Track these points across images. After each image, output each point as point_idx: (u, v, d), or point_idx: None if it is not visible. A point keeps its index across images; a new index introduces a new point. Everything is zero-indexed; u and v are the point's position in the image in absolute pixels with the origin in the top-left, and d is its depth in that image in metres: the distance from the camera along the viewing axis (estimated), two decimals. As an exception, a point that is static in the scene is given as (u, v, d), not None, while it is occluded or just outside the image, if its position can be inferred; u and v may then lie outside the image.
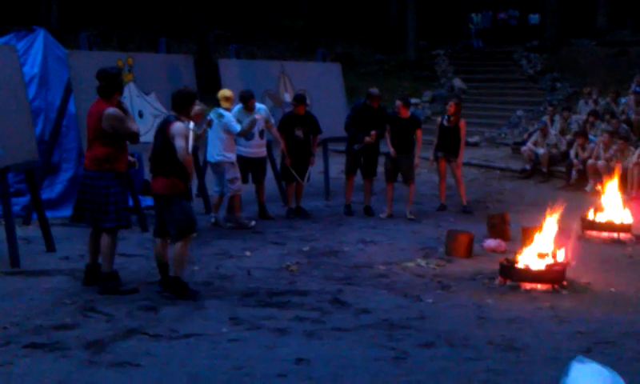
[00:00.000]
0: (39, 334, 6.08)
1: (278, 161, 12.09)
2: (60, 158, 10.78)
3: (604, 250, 9.97)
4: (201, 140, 9.81)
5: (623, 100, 17.73)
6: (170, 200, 7.19)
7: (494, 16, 31.97)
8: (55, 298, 7.04)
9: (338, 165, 14.09)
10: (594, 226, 10.69)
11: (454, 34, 30.89)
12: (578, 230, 10.52)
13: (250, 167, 10.97)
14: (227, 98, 10.35)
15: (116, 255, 7.63)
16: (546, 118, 17.26)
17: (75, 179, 10.74)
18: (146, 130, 10.37)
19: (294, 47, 29.93)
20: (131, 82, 10.43)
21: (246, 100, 10.64)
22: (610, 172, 12.94)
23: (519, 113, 22.36)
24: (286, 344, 6.04)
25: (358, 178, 11.90)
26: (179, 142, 6.99)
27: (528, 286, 7.84)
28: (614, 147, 14.22)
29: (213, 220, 10.59)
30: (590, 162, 14.43)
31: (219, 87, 11.81)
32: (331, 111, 12.62)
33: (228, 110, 10.35)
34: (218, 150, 10.29)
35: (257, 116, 10.64)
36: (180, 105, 7.32)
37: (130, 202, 9.41)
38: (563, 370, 4.63)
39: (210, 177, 11.28)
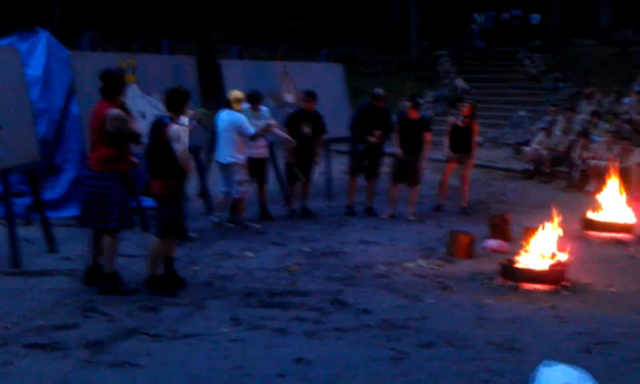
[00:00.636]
0: (40, 334, 6.09)
1: (281, 161, 12.10)
2: (62, 159, 10.80)
3: (605, 250, 9.97)
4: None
5: (626, 100, 17.72)
6: (166, 200, 7.30)
7: (497, 16, 31.96)
8: (56, 298, 7.06)
9: (340, 165, 14.10)
10: (595, 226, 10.69)
11: (457, 35, 30.86)
12: (579, 230, 10.53)
13: (252, 168, 10.98)
14: (239, 100, 10.32)
15: (118, 256, 7.65)
16: (548, 118, 17.24)
17: (78, 180, 10.76)
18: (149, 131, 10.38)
19: (297, 48, 29.92)
20: (134, 83, 10.43)
21: (255, 100, 10.66)
22: (612, 172, 12.92)
23: (522, 113, 22.33)
24: (286, 344, 6.06)
25: (360, 179, 11.91)
26: (178, 146, 7.09)
27: (528, 286, 7.85)
28: (617, 147, 14.21)
29: (216, 220, 10.60)
30: (592, 162, 14.42)
31: (222, 88, 11.84)
32: (333, 112, 12.62)
33: (240, 111, 10.32)
34: (229, 152, 10.25)
35: (272, 121, 10.73)
36: (174, 104, 7.36)
37: (132, 203, 9.43)
38: (530, 376, 4.68)
39: (215, 177, 11.30)
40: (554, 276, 7.94)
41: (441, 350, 6.03)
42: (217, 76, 12.35)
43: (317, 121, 11.47)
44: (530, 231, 8.76)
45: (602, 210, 10.88)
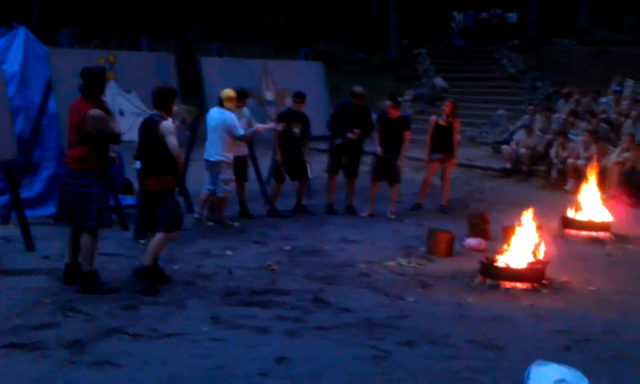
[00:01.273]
0: (18, 333, 6.03)
1: (262, 160, 12.08)
2: (40, 156, 10.69)
3: (583, 248, 10.04)
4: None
5: (603, 99, 17.86)
6: (163, 195, 7.45)
7: (476, 15, 32.07)
8: (34, 298, 6.99)
9: (319, 164, 14.09)
10: (573, 224, 10.77)
11: (436, 33, 30.92)
12: (558, 228, 10.59)
13: (233, 166, 10.94)
14: (230, 98, 10.26)
15: (96, 254, 7.60)
16: (527, 116, 17.33)
17: (55, 178, 10.65)
18: (127, 128, 10.29)
19: (277, 45, 29.87)
20: (112, 80, 10.36)
21: (240, 97, 10.63)
22: (589, 171, 13.02)
23: (500, 112, 22.41)
24: (267, 343, 6.04)
25: (340, 177, 11.91)
26: (172, 140, 7.30)
27: (508, 284, 7.89)
28: (594, 146, 14.31)
29: (197, 216, 10.56)
30: (570, 161, 14.52)
31: (201, 85, 11.79)
32: (314, 110, 12.57)
33: (231, 110, 10.28)
34: (218, 150, 10.20)
35: (259, 126, 10.95)
36: (161, 101, 7.53)
37: (111, 201, 9.36)
38: (525, 373, 4.72)
39: (194, 174, 11.27)
40: (534, 274, 7.98)
41: (422, 348, 6.05)
42: (196, 73, 12.31)
43: (305, 122, 11.52)
44: (509, 230, 8.80)
45: (580, 208, 10.94)
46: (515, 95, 24.37)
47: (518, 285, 7.88)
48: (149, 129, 7.43)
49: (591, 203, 10.99)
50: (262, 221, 11.10)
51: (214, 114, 10.27)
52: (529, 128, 16.35)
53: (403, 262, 8.92)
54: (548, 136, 16.08)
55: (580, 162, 14.27)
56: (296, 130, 11.40)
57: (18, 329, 6.14)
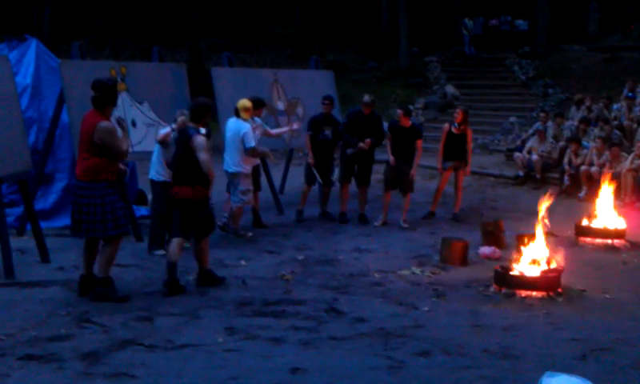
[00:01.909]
0: (34, 345, 6.05)
1: (274, 169, 12.10)
2: (54, 167, 10.76)
3: (598, 256, 9.99)
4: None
5: (615, 106, 17.80)
6: (196, 205, 7.80)
7: (486, 22, 32.06)
8: (50, 309, 7.01)
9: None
10: (587, 232, 10.72)
11: (446, 41, 30.94)
12: (573, 236, 10.56)
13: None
14: (247, 109, 10.25)
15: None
16: (539, 123, 17.29)
17: (69, 189, 10.68)
18: (139, 140, 10.37)
19: (287, 55, 29.96)
20: (124, 91, 10.40)
21: (256, 106, 10.65)
22: (602, 178, 12.97)
23: (512, 119, 22.42)
24: (282, 354, 6.03)
25: (352, 186, 11.91)
26: (202, 156, 7.65)
27: (523, 293, 7.86)
28: (607, 153, 14.26)
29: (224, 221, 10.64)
30: (584, 168, 14.47)
31: (212, 95, 11.81)
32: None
33: (247, 120, 10.27)
34: (235, 161, 10.21)
35: (273, 131, 11.34)
36: (198, 115, 7.96)
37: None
38: None
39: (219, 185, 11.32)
40: (549, 283, 7.95)
41: (437, 358, 6.02)
42: (208, 83, 12.35)
43: (335, 125, 11.72)
44: (523, 238, 8.77)
45: (594, 216, 10.89)
46: (527, 102, 24.35)
47: (533, 293, 7.84)
48: (184, 140, 7.82)
49: (605, 210, 10.93)
50: (275, 230, 11.09)
51: (231, 125, 10.27)
52: (541, 133, 16.31)
53: (417, 271, 8.90)
54: (561, 143, 16.03)
55: (593, 169, 14.22)
56: (327, 132, 11.64)
57: (33, 340, 6.16)
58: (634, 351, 6.27)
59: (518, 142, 18.01)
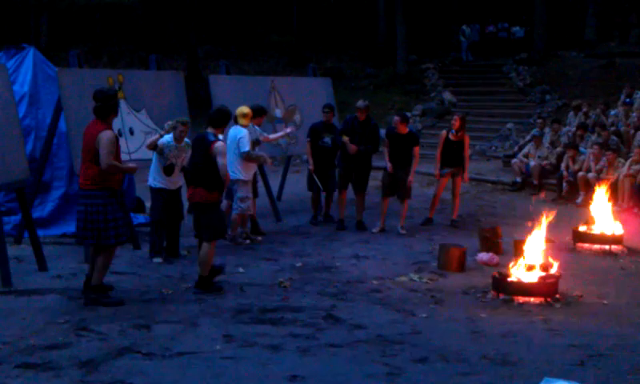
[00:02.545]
0: (32, 353, 6.04)
1: (272, 176, 12.11)
2: (51, 176, 10.74)
3: (596, 262, 10.00)
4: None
5: (613, 112, 17.83)
6: (210, 208, 8.06)
7: (482, 29, 32.10)
8: (47, 317, 7.00)
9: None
10: (585, 238, 10.72)
11: (444, 48, 30.99)
12: (570, 242, 10.56)
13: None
14: (245, 115, 10.28)
15: (109, 273, 7.65)
16: (537, 129, 17.31)
17: (67, 197, 10.72)
18: (137, 147, 10.36)
19: (284, 62, 29.98)
20: (122, 99, 10.39)
21: (257, 114, 10.69)
22: (600, 184, 12.99)
23: (509, 125, 22.43)
24: (280, 361, 6.03)
25: (349, 193, 11.92)
26: (222, 160, 7.93)
27: (521, 299, 7.86)
28: (605, 159, 14.28)
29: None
30: (581, 174, 14.48)
31: (210, 103, 11.83)
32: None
33: (246, 127, 10.28)
34: (233, 167, 10.23)
35: (270, 136, 11.35)
36: (218, 122, 8.32)
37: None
38: None
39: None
40: (547, 289, 7.95)
41: (435, 364, 6.02)
42: (205, 91, 12.36)
43: (335, 132, 11.83)
44: (520, 244, 8.77)
45: (592, 222, 10.90)
46: (524, 108, 24.37)
47: (531, 299, 7.85)
48: (202, 146, 8.06)
49: (603, 216, 10.94)
50: (272, 237, 11.09)
51: (230, 132, 10.29)
52: (537, 139, 16.33)
53: (415, 277, 8.90)
54: (558, 149, 16.05)
55: (591, 175, 14.24)
56: (327, 139, 11.74)
57: (31, 349, 6.15)
58: (632, 357, 6.28)
59: (516, 149, 18.02)
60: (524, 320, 7.28)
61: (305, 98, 13.34)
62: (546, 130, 17.28)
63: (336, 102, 14.09)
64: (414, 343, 6.51)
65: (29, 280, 8.35)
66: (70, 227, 10.56)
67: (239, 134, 10.16)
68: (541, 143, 16.26)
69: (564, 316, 7.44)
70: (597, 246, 10.57)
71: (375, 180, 12.65)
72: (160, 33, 31.18)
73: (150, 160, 9.61)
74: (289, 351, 6.26)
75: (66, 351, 6.12)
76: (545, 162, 15.77)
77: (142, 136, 10.41)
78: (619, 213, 12.27)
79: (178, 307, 7.46)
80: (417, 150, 11.54)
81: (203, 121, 10.67)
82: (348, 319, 7.16)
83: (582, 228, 10.87)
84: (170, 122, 9.61)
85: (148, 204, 10.60)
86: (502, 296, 7.94)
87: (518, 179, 16.14)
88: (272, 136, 11.51)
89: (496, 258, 9.66)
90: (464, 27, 30.62)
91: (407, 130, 11.62)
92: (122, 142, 9.25)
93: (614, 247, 10.50)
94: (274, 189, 13.22)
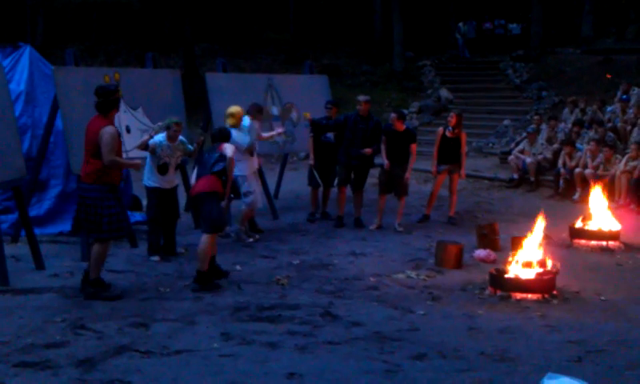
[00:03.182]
0: (29, 352, 6.04)
1: (269, 174, 12.10)
2: (48, 174, 10.73)
3: (593, 258, 10.01)
4: (194, 156, 9.89)
5: (609, 108, 17.84)
6: (211, 198, 8.14)
7: (479, 26, 32.11)
8: (45, 316, 7.00)
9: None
10: (582, 234, 10.73)
11: (440, 45, 31.00)
12: (567, 238, 10.57)
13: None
14: (232, 115, 10.28)
15: (106, 271, 7.65)
16: (533, 126, 17.32)
17: (63, 195, 10.71)
18: (134, 146, 10.33)
19: (281, 60, 29.95)
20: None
21: (255, 112, 10.73)
22: (597, 180, 13.00)
23: (506, 122, 22.44)
24: (278, 358, 6.03)
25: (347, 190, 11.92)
26: (230, 154, 8.48)
27: (518, 295, 7.86)
28: (601, 155, 14.29)
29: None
30: (578, 170, 14.50)
31: (206, 101, 11.84)
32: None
33: (234, 126, 10.26)
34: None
35: (264, 135, 11.37)
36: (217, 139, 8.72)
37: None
38: None
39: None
40: (544, 285, 7.96)
41: (433, 361, 6.02)
42: (202, 89, 12.34)
43: (339, 128, 11.74)
44: (517, 240, 8.77)
45: (589, 218, 10.91)
46: (521, 105, 24.37)
47: (529, 296, 7.85)
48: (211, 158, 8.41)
49: (600, 212, 10.95)
50: (270, 235, 11.09)
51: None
52: (532, 136, 16.35)
53: (412, 274, 8.90)
54: (555, 146, 16.06)
55: (587, 172, 14.25)
56: (330, 135, 11.75)
57: (29, 347, 6.15)
58: (630, 353, 6.29)
59: (512, 145, 18.03)
60: (521, 316, 7.29)
61: (301, 95, 13.32)
62: (543, 126, 17.29)
63: (333, 98, 14.06)
64: (412, 340, 6.52)
65: (26, 278, 8.34)
66: (67, 226, 10.58)
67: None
68: (535, 140, 16.26)
69: (561, 312, 7.45)
70: (594, 243, 10.58)
71: (373, 177, 12.64)
72: (156, 30, 31.14)
73: (145, 158, 9.59)
74: (286, 349, 6.26)
75: (63, 350, 6.11)
76: (540, 156, 15.76)
77: (138, 134, 10.38)
78: (616, 209, 12.28)
79: (175, 305, 7.46)
80: (414, 147, 11.54)
81: (200, 118, 10.73)
82: (345, 316, 7.17)
83: (579, 224, 10.88)
84: (159, 123, 9.60)
85: (145, 202, 10.58)
86: (499, 292, 7.95)
87: (515, 176, 16.14)
88: (265, 134, 11.46)
89: (493, 255, 9.67)
90: (460, 24, 30.64)
91: (404, 127, 11.61)
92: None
93: (610, 243, 10.51)
94: (271, 186, 13.21)
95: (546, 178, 15.66)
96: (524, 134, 17.65)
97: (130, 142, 10.24)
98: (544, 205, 13.14)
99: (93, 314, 7.07)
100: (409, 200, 12.12)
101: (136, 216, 11.25)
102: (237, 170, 10.19)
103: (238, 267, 9.09)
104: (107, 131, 7.44)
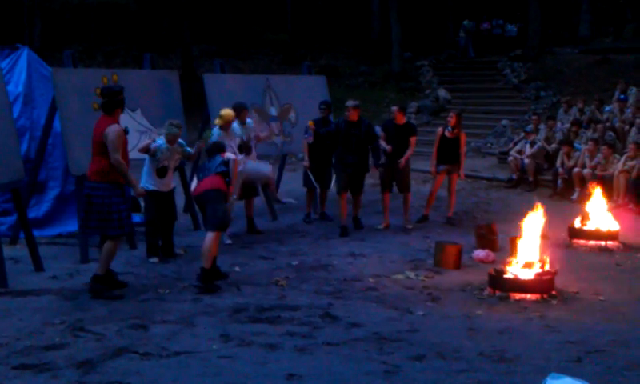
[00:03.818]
0: (29, 354, 6.04)
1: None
2: (46, 176, 10.71)
3: (592, 258, 10.02)
4: (192, 159, 9.89)
5: (607, 108, 17.86)
6: (217, 196, 8.24)
7: (477, 26, 32.09)
8: (44, 318, 6.99)
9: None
10: (581, 234, 10.74)
11: (438, 45, 30.99)
12: (566, 238, 10.57)
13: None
14: (220, 117, 10.25)
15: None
16: (531, 126, 17.34)
17: (62, 197, 10.70)
18: (132, 147, 10.30)
19: (279, 60, 29.95)
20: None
21: (238, 112, 10.65)
22: (595, 180, 13.01)
23: (504, 122, 22.44)
24: (277, 359, 6.02)
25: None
26: (232, 157, 8.71)
27: (517, 296, 7.86)
28: (600, 155, 14.30)
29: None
30: (576, 170, 14.50)
31: (205, 102, 11.82)
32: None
33: (221, 128, 10.24)
34: None
35: (260, 134, 11.30)
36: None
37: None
38: None
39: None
40: (543, 285, 7.96)
41: (432, 362, 6.02)
42: (199, 90, 12.34)
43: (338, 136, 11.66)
44: (516, 241, 8.77)
45: (587, 218, 10.91)
46: (519, 105, 24.38)
47: (528, 296, 7.86)
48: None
49: (598, 212, 10.95)
50: (269, 236, 11.08)
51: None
52: (529, 135, 16.36)
53: (411, 275, 8.91)
54: (553, 146, 16.07)
55: (586, 171, 14.25)
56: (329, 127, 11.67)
57: (28, 350, 6.14)
58: (629, 353, 6.29)
59: (510, 145, 18.04)
60: (521, 317, 7.30)
61: (300, 96, 13.32)
62: (541, 126, 17.29)
63: (331, 99, 14.07)
64: (411, 341, 6.52)
65: (25, 281, 8.34)
66: (66, 227, 10.57)
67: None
68: (532, 140, 16.26)
69: (560, 312, 7.46)
70: (592, 242, 10.59)
71: (371, 178, 12.64)
72: (154, 31, 31.14)
73: (144, 160, 9.59)
74: (286, 350, 6.25)
75: (62, 352, 6.11)
76: (539, 158, 15.78)
77: (137, 135, 10.38)
78: (614, 209, 12.28)
79: (174, 307, 7.45)
80: (413, 139, 11.60)
81: (198, 119, 10.71)
82: (345, 317, 7.16)
83: (578, 224, 10.88)
84: (163, 130, 9.61)
85: (143, 203, 10.57)
86: (498, 293, 7.95)
87: (514, 176, 16.15)
88: (262, 134, 11.43)
89: (492, 255, 9.67)
90: (465, 22, 30.56)
91: (405, 119, 11.63)
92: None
93: (609, 243, 10.52)
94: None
95: (544, 177, 15.67)
96: (522, 134, 17.66)
97: (129, 144, 10.20)
98: (543, 205, 13.18)
99: (92, 316, 7.06)
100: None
101: (135, 217, 11.21)
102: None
103: (236, 268, 9.08)
104: (112, 130, 7.62)
